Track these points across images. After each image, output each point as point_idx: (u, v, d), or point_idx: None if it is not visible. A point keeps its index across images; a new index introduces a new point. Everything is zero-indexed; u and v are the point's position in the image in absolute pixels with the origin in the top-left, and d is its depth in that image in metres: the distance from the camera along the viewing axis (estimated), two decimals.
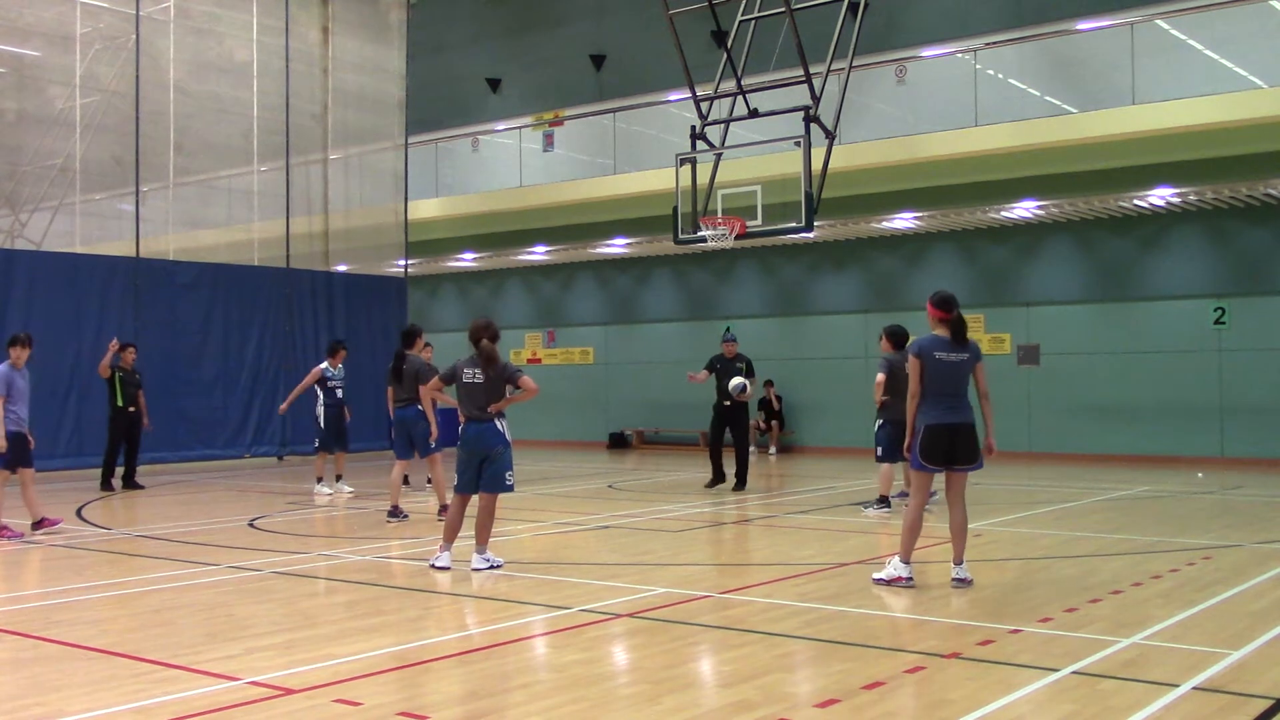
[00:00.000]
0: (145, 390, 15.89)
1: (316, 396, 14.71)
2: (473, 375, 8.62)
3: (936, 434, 7.82)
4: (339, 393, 14.76)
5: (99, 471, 15.70)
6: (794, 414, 22.75)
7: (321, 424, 14.71)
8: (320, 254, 22.28)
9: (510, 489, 8.69)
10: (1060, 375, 20.11)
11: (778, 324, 23.34)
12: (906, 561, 7.88)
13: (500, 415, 8.68)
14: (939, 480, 8.32)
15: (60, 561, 9.63)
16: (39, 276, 17.61)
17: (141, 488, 15.60)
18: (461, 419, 8.76)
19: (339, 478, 14.86)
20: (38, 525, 10.98)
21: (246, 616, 7.15)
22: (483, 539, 8.66)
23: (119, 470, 15.68)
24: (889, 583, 7.85)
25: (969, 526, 8.15)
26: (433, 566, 8.69)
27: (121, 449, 15.61)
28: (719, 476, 14.86)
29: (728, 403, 14.74)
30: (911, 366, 7.88)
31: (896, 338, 12.07)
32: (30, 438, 11.02)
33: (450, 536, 8.71)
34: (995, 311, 20.74)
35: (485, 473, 8.62)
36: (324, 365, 14.74)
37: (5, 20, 18.23)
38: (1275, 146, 15.90)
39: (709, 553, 10.29)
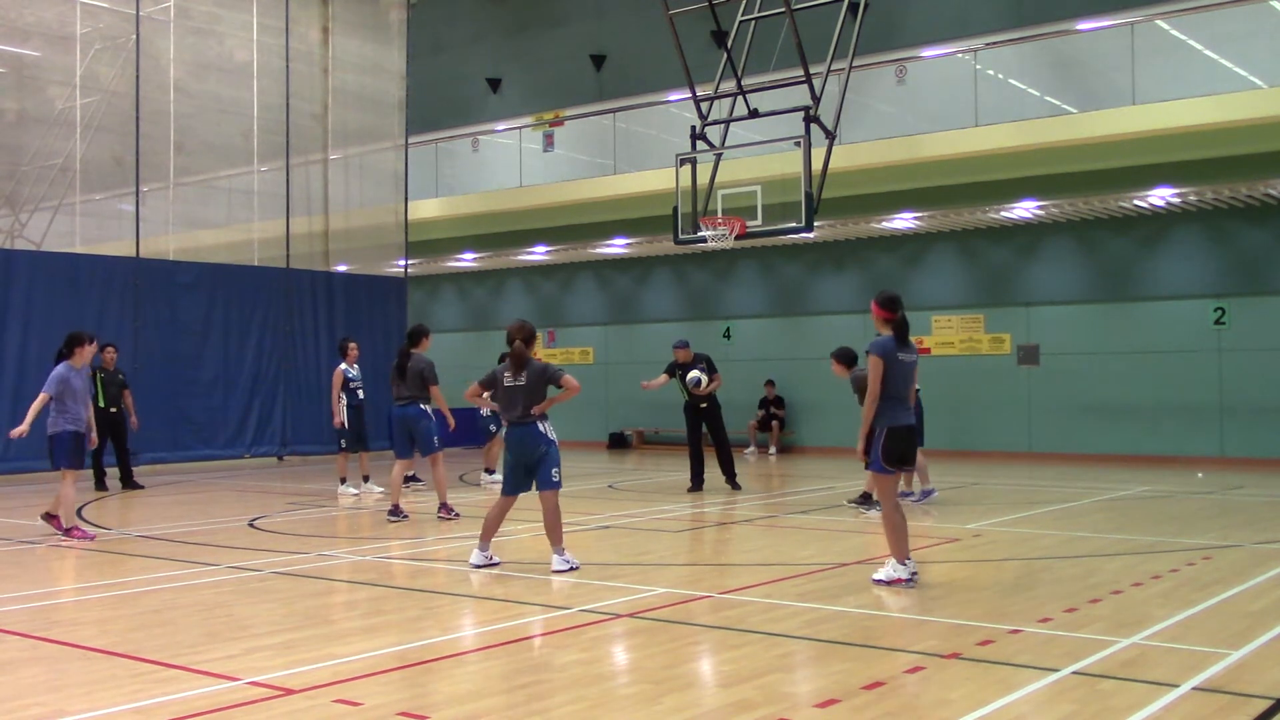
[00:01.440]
0: (142, 390, 15.85)
1: (340, 397, 14.73)
2: (512, 379, 8.59)
3: (898, 435, 7.86)
4: (360, 393, 14.78)
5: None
6: (794, 414, 22.75)
7: (345, 424, 14.72)
8: (320, 254, 22.28)
9: (558, 485, 8.66)
10: (1060, 375, 20.11)
11: (778, 324, 23.35)
12: (903, 562, 7.89)
13: (543, 417, 8.64)
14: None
15: (60, 561, 9.63)
16: (39, 276, 17.60)
17: (141, 487, 15.58)
18: (504, 423, 8.77)
19: (366, 478, 14.89)
20: (51, 518, 10.82)
21: (246, 616, 7.15)
22: (557, 539, 8.63)
23: (114, 471, 15.64)
24: (889, 584, 7.85)
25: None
26: (473, 566, 8.66)
27: (109, 450, 15.49)
28: (698, 482, 14.65)
29: (704, 405, 14.74)
30: (874, 367, 7.82)
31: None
32: (92, 437, 10.94)
33: (487, 535, 8.71)
34: (995, 311, 20.74)
35: (537, 474, 8.63)
36: (342, 366, 14.74)
37: (5, 20, 18.22)
38: (1275, 146, 15.90)
39: (709, 553, 10.30)
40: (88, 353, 10.79)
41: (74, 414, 10.60)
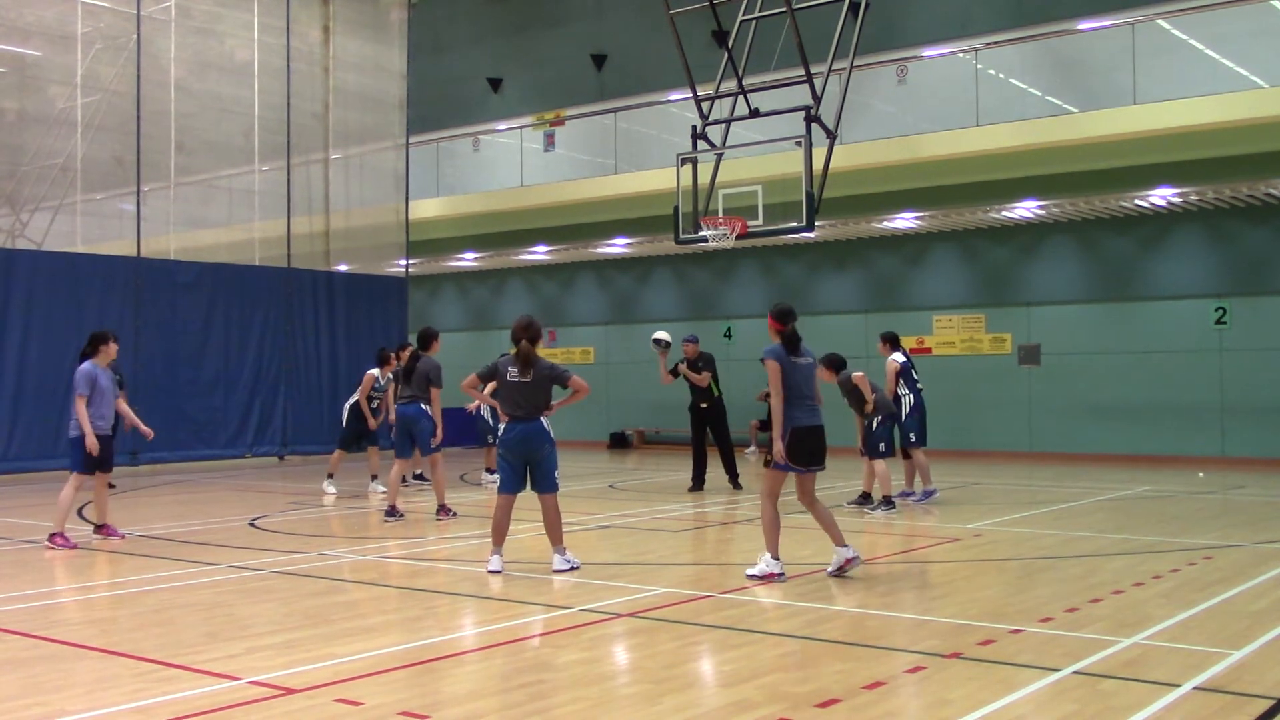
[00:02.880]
0: (142, 389, 15.82)
1: (351, 396, 14.80)
2: (516, 374, 8.50)
3: (803, 436, 8.06)
4: (375, 402, 14.84)
5: None
6: None
7: (344, 424, 14.77)
8: (321, 254, 22.28)
9: (558, 488, 8.65)
10: (1061, 375, 20.10)
11: None
12: (776, 557, 8.09)
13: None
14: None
15: (60, 561, 9.63)
16: (39, 276, 17.61)
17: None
18: (503, 419, 8.68)
19: (374, 477, 14.92)
20: (100, 528, 10.67)
21: (247, 616, 7.15)
22: (557, 539, 8.61)
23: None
24: (763, 579, 8.01)
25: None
26: (490, 573, 8.52)
27: None
28: (699, 482, 14.68)
29: (704, 405, 14.78)
30: (772, 370, 8.05)
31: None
32: (112, 437, 10.64)
33: (499, 539, 8.62)
34: (995, 311, 20.73)
35: (535, 474, 8.58)
36: (375, 372, 14.80)
37: (5, 20, 18.22)
38: (1275, 146, 15.90)
39: (709, 553, 10.30)
40: (112, 350, 10.58)
41: (98, 415, 10.36)
